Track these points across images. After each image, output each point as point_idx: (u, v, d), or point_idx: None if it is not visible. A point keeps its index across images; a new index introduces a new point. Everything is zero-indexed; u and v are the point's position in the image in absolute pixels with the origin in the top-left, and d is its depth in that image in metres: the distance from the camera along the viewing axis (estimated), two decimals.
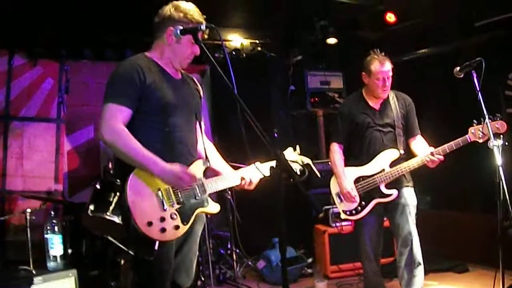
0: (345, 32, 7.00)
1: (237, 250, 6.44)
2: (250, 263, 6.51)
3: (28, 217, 4.71)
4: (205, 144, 3.43)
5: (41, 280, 4.33)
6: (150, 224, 2.87)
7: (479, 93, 3.71)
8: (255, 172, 3.37)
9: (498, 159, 3.64)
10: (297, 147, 3.64)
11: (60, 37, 6.19)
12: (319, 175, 3.85)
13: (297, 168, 3.53)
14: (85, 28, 6.04)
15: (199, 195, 3.14)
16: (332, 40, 7.04)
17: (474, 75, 3.77)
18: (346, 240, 5.73)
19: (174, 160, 3.03)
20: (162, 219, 2.92)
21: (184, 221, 3.03)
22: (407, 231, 4.39)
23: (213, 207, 3.24)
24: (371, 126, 4.51)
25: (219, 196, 6.77)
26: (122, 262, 4.96)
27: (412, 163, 4.35)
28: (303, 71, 7.51)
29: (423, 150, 4.39)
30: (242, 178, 3.33)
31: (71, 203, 5.85)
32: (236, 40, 7.21)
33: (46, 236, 4.61)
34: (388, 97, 4.58)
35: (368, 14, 6.54)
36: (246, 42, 7.26)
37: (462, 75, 3.86)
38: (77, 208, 5.25)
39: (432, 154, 4.24)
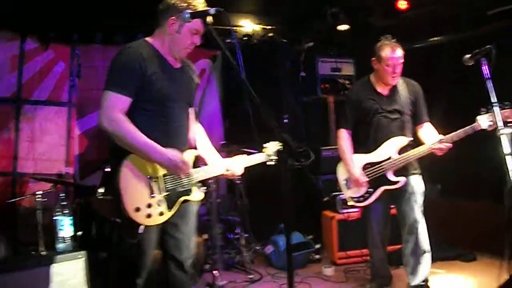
0: (356, 19, 6.96)
1: (246, 235, 6.46)
2: (258, 248, 6.54)
3: (38, 199, 4.75)
4: (195, 132, 3.53)
5: (50, 261, 4.38)
6: (137, 209, 3.00)
7: (488, 80, 3.67)
8: (241, 163, 3.49)
9: (507, 148, 3.61)
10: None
11: (72, 21, 6.20)
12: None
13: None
14: (96, 12, 6.04)
15: (186, 184, 3.24)
16: (343, 27, 7.00)
17: (484, 62, 3.73)
18: (354, 227, 5.74)
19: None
20: (149, 206, 3.05)
21: (169, 208, 3.15)
22: (413, 219, 4.40)
23: (197, 196, 3.34)
24: (379, 112, 4.50)
25: (229, 181, 6.81)
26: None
27: (420, 151, 4.34)
28: (314, 57, 7.51)
29: (431, 138, 4.37)
30: (227, 169, 3.44)
31: (81, 186, 5.91)
32: (247, 25, 7.17)
33: (56, 217, 4.64)
34: (397, 83, 4.56)
35: (379, 1, 6.49)
36: (257, 27, 7.21)
37: (472, 63, 3.82)
38: (87, 191, 5.30)
39: (440, 141, 4.22)
